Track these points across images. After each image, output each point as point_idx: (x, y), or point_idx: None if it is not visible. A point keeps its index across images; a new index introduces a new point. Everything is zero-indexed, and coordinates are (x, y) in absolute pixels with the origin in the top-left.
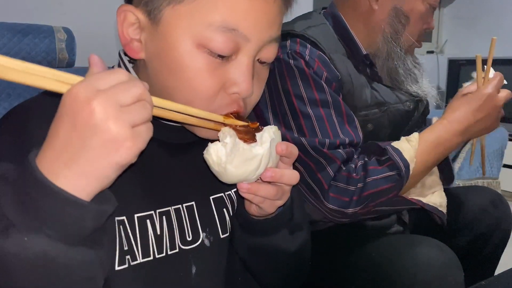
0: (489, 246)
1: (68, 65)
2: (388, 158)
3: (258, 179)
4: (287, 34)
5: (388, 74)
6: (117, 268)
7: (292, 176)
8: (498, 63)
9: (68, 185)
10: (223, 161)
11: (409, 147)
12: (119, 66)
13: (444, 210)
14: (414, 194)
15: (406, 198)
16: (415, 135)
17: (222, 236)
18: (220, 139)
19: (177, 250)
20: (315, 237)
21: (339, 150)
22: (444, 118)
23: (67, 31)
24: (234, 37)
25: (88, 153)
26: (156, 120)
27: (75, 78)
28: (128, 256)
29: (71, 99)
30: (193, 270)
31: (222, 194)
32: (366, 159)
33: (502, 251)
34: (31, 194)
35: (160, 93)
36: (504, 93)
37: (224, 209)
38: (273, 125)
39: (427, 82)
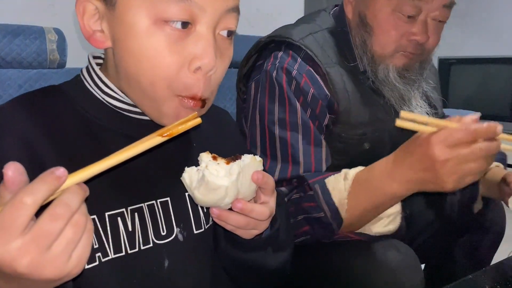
0: (483, 247)
1: (59, 66)
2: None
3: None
4: (282, 42)
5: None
6: (87, 266)
7: (261, 212)
8: (489, 62)
9: None
10: (193, 187)
11: (342, 187)
12: (88, 70)
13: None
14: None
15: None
16: (352, 171)
17: (195, 232)
18: (199, 162)
19: (151, 244)
20: None
21: (282, 188)
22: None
23: (58, 32)
24: (189, 6)
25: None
26: (126, 116)
27: None
28: (98, 254)
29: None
30: (165, 264)
31: None
32: (301, 193)
33: (495, 250)
34: None
35: (126, 80)
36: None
37: (199, 206)
38: (250, 155)
39: (421, 101)
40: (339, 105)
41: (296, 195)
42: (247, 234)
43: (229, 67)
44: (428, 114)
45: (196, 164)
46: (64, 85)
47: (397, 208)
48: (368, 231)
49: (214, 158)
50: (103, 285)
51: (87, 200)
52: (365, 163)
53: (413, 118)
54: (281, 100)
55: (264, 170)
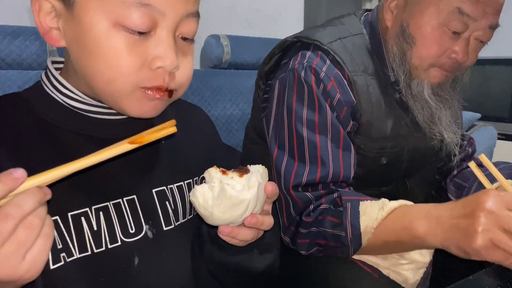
0: None
1: None
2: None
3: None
4: (310, 43)
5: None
6: (52, 266)
7: (270, 223)
8: (488, 63)
9: None
10: (210, 205)
11: (374, 216)
12: (46, 74)
13: (409, 287)
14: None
15: (360, 265)
16: (392, 204)
17: (165, 229)
18: (207, 181)
19: (119, 243)
20: None
21: (307, 193)
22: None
23: None
24: (150, 12)
25: None
26: (86, 116)
27: None
28: (63, 254)
29: None
30: (135, 262)
31: (164, 187)
32: (331, 205)
33: None
34: None
35: (84, 78)
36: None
37: (167, 202)
38: (259, 165)
39: (451, 121)
40: (362, 116)
41: (325, 205)
42: (245, 243)
43: (229, 68)
44: (455, 134)
45: (166, 161)
46: (23, 91)
47: (425, 258)
48: (385, 269)
49: (224, 173)
50: (70, 284)
51: (49, 202)
52: (379, 177)
53: (488, 165)
54: (310, 101)
55: (291, 172)
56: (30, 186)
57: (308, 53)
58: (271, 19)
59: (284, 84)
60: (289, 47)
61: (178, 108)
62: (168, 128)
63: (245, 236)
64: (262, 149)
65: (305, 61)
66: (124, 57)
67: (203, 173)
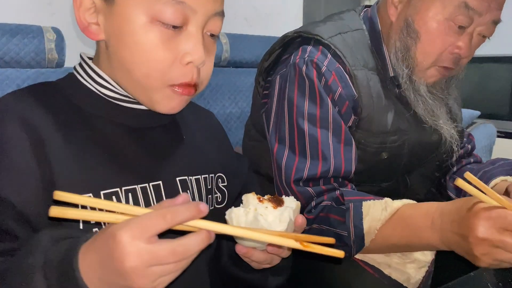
0: None
1: (57, 66)
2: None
3: None
4: (311, 38)
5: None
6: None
7: (288, 254)
8: (487, 61)
9: None
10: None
11: (378, 217)
12: (80, 65)
13: (411, 286)
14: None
15: (361, 265)
16: (396, 204)
17: None
18: (243, 204)
19: None
20: None
21: (308, 188)
22: (437, 204)
23: (56, 31)
24: (183, 9)
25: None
26: (119, 105)
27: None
28: (95, 229)
29: (120, 253)
30: None
31: (186, 177)
32: (333, 203)
33: None
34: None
35: (120, 70)
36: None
37: (188, 191)
38: (293, 199)
39: (446, 116)
40: (363, 110)
41: (327, 202)
42: (260, 267)
43: (228, 67)
44: (453, 130)
45: (187, 154)
46: (58, 81)
47: (427, 257)
48: (387, 269)
49: (260, 200)
50: None
51: (85, 180)
52: (380, 173)
53: (476, 183)
54: (311, 95)
55: (292, 167)
56: (202, 226)
57: (309, 48)
58: (270, 17)
59: (285, 78)
60: (289, 43)
61: (196, 112)
62: (335, 251)
63: (259, 258)
64: (262, 146)
65: (306, 56)
66: (159, 51)
67: (217, 173)
